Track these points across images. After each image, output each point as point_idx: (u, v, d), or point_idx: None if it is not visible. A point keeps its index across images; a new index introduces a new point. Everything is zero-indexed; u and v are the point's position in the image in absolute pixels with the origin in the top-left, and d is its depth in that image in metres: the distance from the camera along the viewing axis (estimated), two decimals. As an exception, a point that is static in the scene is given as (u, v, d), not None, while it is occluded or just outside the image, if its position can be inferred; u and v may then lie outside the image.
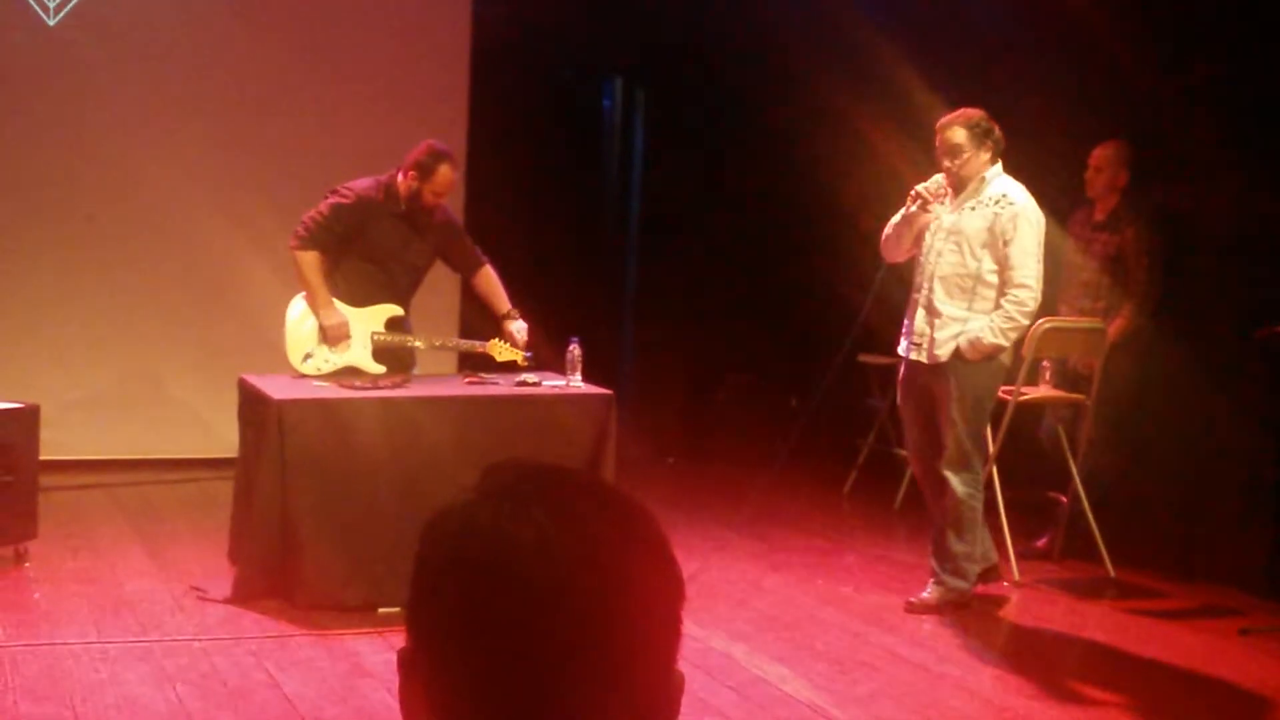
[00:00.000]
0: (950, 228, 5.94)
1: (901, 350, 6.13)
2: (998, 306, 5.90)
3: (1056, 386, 6.93)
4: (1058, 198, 7.27)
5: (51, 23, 8.29)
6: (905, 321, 6.11)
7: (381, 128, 8.47)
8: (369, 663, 5.17)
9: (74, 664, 5.04)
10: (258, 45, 8.74)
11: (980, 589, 6.23)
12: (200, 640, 5.36)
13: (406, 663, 1.13)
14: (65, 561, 6.39)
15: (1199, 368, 6.98)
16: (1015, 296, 5.87)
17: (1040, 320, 6.58)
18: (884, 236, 6.11)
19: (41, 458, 6.50)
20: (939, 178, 5.92)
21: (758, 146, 9.42)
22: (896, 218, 6.04)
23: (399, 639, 1.14)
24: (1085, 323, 6.84)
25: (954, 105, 8.00)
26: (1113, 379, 6.80)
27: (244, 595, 5.81)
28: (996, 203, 5.91)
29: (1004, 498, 6.71)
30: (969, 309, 5.91)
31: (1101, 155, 7.00)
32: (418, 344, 6.59)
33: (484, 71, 9.21)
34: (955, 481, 6.00)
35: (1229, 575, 6.69)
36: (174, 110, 8.53)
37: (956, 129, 5.89)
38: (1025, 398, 6.76)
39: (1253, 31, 6.85)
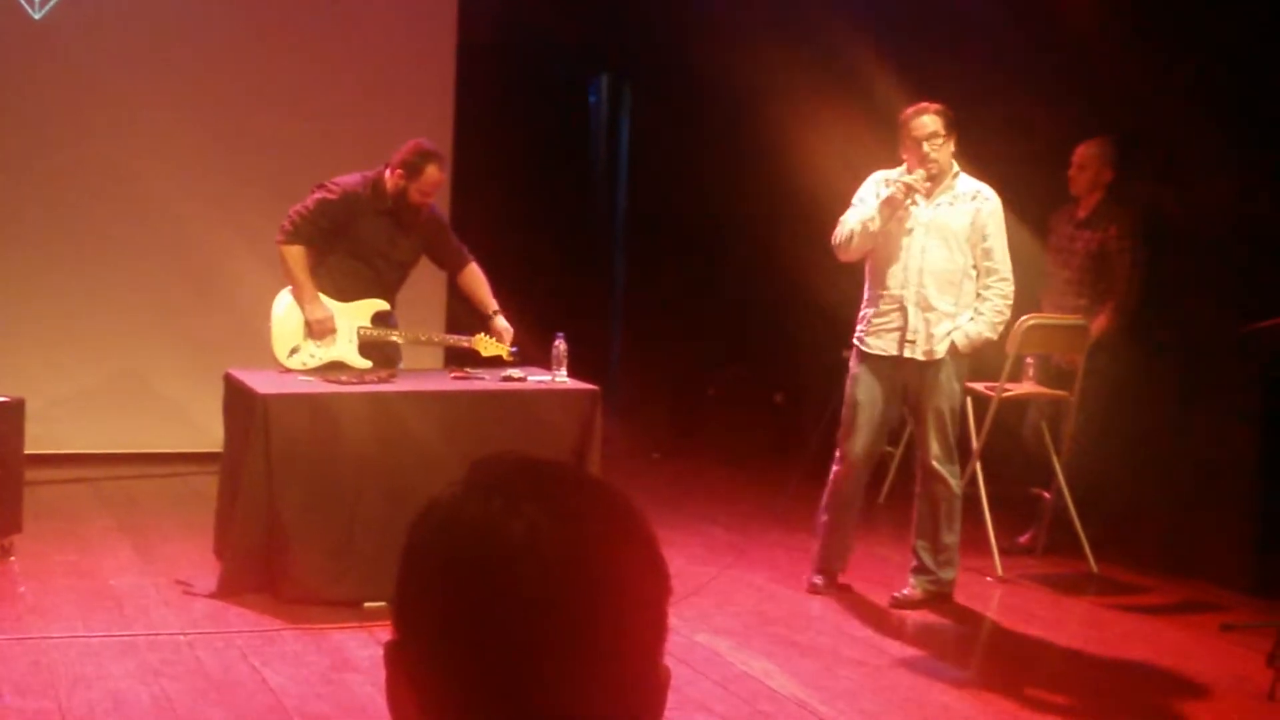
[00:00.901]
0: (930, 223, 5.94)
1: (874, 347, 6.05)
2: (978, 298, 5.96)
3: (1040, 383, 6.96)
4: (1044, 194, 7.30)
5: (37, 16, 8.28)
6: (876, 318, 6.03)
7: (368, 124, 8.48)
8: (355, 657, 5.18)
9: (60, 658, 5.03)
10: (244, 41, 8.73)
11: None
12: (186, 634, 5.36)
13: (393, 656, 1.13)
14: (51, 556, 6.38)
15: (1182, 365, 7.01)
16: (1002, 290, 5.96)
17: (1023, 317, 6.62)
18: (845, 234, 5.97)
19: (27, 452, 6.48)
20: (920, 172, 5.91)
21: (744, 142, 9.44)
22: (861, 215, 5.96)
23: (385, 633, 1.15)
24: (1068, 319, 6.86)
25: (941, 102, 8.03)
26: (1096, 375, 6.82)
27: (229, 590, 5.81)
28: (973, 198, 5.97)
29: (988, 493, 6.73)
30: (955, 304, 5.95)
31: (1085, 153, 7.02)
32: (403, 339, 6.60)
33: (470, 68, 9.21)
34: (948, 475, 6.07)
35: (1211, 571, 6.72)
36: (160, 105, 8.51)
37: (930, 116, 5.93)
38: (1009, 394, 6.78)
39: (1243, 30, 6.87)
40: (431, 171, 6.25)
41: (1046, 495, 6.99)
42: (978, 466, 6.75)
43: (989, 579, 6.65)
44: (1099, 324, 6.87)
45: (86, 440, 8.41)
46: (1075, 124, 7.24)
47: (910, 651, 5.69)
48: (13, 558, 6.27)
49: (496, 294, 6.58)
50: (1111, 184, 7.02)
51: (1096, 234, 6.98)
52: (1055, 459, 6.84)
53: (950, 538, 6.11)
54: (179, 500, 7.68)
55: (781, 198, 9.11)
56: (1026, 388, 6.90)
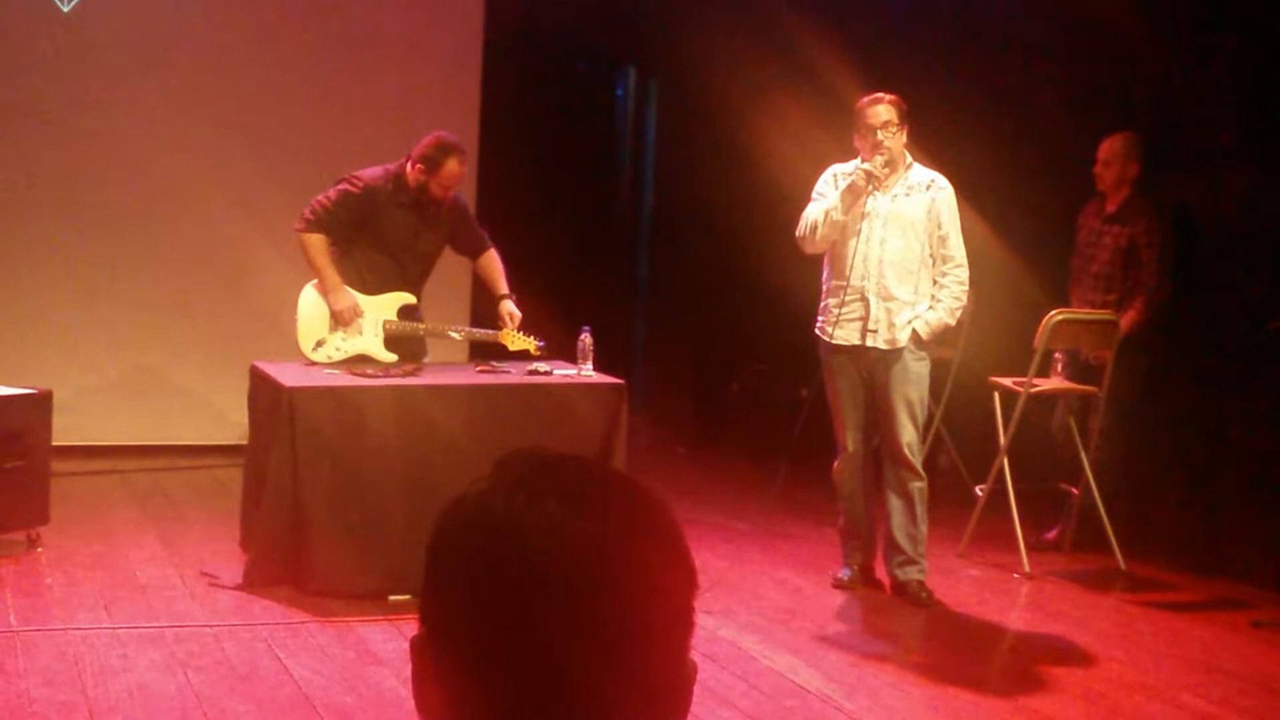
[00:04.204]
0: (887, 214, 5.98)
1: (838, 337, 6.06)
2: (935, 285, 6.01)
3: (1068, 378, 6.92)
4: (1072, 189, 7.27)
5: (65, 9, 8.30)
6: (837, 309, 6.05)
7: (394, 117, 8.47)
8: (380, 650, 5.18)
9: (86, 649, 5.05)
10: (270, 34, 8.73)
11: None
12: (211, 626, 5.37)
13: (418, 651, 1.13)
14: (77, 547, 6.40)
15: (1212, 359, 6.97)
16: (958, 276, 6.04)
17: (1053, 312, 6.59)
18: (809, 225, 6.02)
19: (54, 443, 6.50)
20: (879, 158, 5.91)
21: (770, 136, 9.41)
22: (825, 206, 5.99)
23: (410, 626, 1.14)
24: (1097, 315, 6.82)
25: (967, 97, 7.99)
26: (1125, 371, 6.78)
27: (255, 582, 5.82)
28: (928, 188, 6.02)
29: (1015, 489, 6.70)
30: (914, 293, 6.01)
31: (1109, 148, 6.98)
32: (429, 332, 6.60)
33: (497, 61, 9.20)
34: (918, 464, 6.10)
35: (1240, 568, 6.68)
36: (187, 98, 8.53)
37: (885, 106, 5.97)
38: (1037, 389, 6.75)
39: (1270, 23, 6.83)
40: (451, 165, 6.24)
41: (1074, 491, 6.96)
42: (1005, 462, 6.72)
43: (1016, 575, 6.62)
44: (1128, 319, 6.83)
45: (113, 432, 8.44)
46: (1100, 119, 7.20)
47: (935, 647, 5.68)
48: (40, 549, 6.29)
49: (523, 289, 6.59)
50: (1138, 179, 6.97)
51: (1125, 229, 6.94)
52: (1083, 455, 6.81)
53: (925, 527, 6.14)
54: (205, 492, 7.70)
55: (808, 192, 9.08)
56: (1055, 383, 6.87)
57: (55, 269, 8.39)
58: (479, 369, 6.49)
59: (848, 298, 6.02)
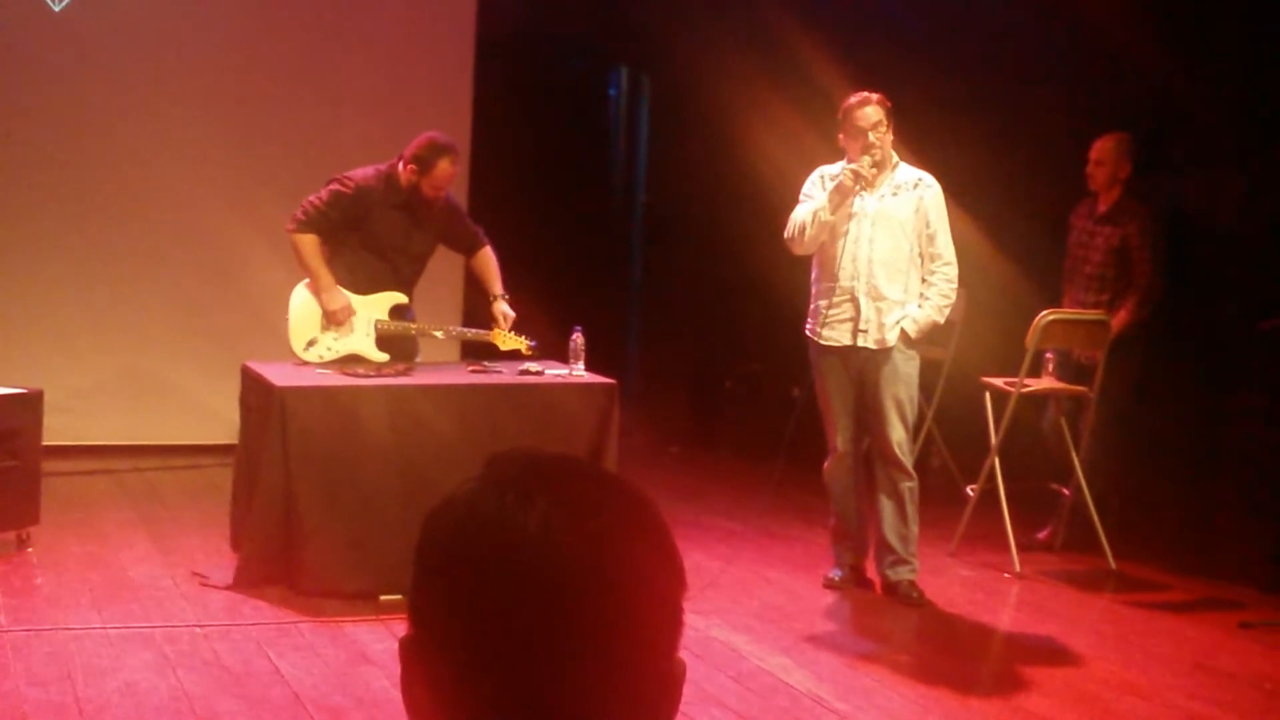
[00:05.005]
0: (876, 213, 5.98)
1: (828, 338, 6.05)
2: (923, 284, 6.01)
3: (1060, 378, 6.93)
4: (1066, 189, 7.28)
5: (57, 9, 8.28)
6: (827, 310, 6.04)
7: (387, 116, 8.47)
8: (371, 650, 5.18)
9: (76, 649, 5.04)
10: (263, 33, 8.73)
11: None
12: (202, 626, 5.37)
13: (408, 650, 1.13)
14: (68, 547, 6.39)
15: (1203, 360, 6.98)
16: (947, 274, 6.03)
17: (1044, 312, 6.60)
18: (798, 226, 5.99)
19: (45, 443, 6.50)
20: (866, 159, 5.91)
21: (763, 134, 9.41)
22: (813, 207, 5.97)
23: (401, 626, 1.14)
24: (1089, 315, 6.83)
25: (960, 96, 7.99)
26: (1116, 371, 6.79)
27: (246, 582, 5.82)
28: (915, 186, 6.02)
29: (1006, 489, 6.71)
30: (904, 292, 6.01)
31: (1102, 148, 6.99)
32: (421, 332, 6.59)
33: (489, 60, 9.20)
34: (909, 464, 6.09)
35: (1230, 568, 6.69)
36: (179, 97, 8.52)
37: (873, 107, 5.96)
38: (1028, 389, 6.76)
39: (1264, 24, 6.84)
40: (444, 166, 6.23)
41: (1065, 491, 6.97)
42: (996, 462, 6.73)
43: (1007, 575, 6.63)
44: (1119, 319, 6.84)
45: (104, 432, 8.43)
46: (1094, 119, 7.21)
47: (926, 647, 5.68)
48: (30, 549, 6.28)
49: (516, 288, 6.57)
50: (1130, 179, 6.99)
51: (1117, 229, 6.95)
52: (1074, 455, 6.81)
53: (916, 527, 6.14)
54: (196, 492, 7.69)
55: (799, 190, 9.07)
56: (1046, 383, 6.88)
57: (47, 269, 8.38)
58: (471, 369, 6.49)
59: (837, 298, 6.02)
